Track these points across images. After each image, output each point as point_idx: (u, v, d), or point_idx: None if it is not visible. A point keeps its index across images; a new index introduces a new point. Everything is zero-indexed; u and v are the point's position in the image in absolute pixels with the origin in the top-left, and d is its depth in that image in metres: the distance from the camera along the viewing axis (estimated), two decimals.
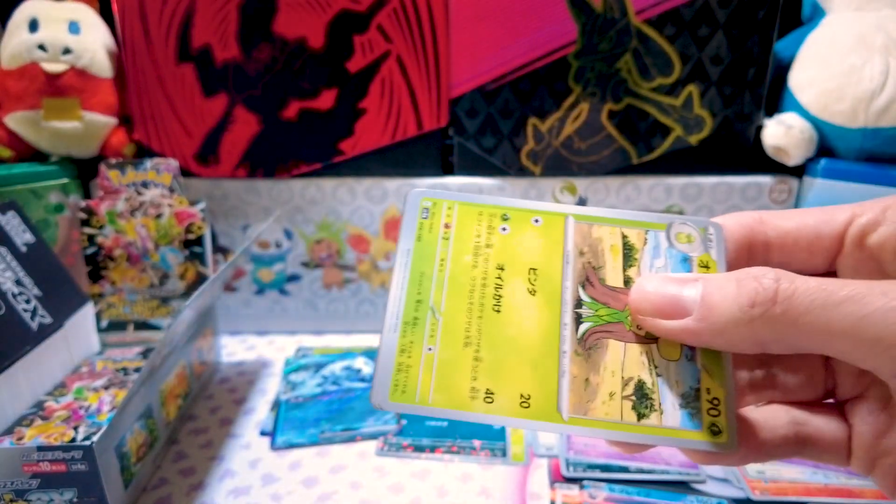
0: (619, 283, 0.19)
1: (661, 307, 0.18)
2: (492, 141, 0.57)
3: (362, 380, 0.52)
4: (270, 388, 0.52)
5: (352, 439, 0.44)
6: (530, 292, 0.18)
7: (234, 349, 0.59)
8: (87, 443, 0.32)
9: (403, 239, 0.18)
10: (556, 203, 0.19)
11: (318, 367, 0.54)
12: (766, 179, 0.57)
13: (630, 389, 0.18)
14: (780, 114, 0.55)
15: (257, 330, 0.63)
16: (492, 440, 0.44)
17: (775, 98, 0.57)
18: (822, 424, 0.20)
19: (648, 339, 0.18)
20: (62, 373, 0.43)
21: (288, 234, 0.60)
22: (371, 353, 0.56)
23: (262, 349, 0.59)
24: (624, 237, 0.19)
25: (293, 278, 0.61)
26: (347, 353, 0.56)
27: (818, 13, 0.56)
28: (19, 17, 0.53)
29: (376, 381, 0.17)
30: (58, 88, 0.52)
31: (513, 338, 0.17)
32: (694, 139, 0.56)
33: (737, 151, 0.57)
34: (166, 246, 0.52)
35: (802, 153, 0.53)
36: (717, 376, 0.18)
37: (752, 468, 0.40)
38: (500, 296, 0.18)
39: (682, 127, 0.56)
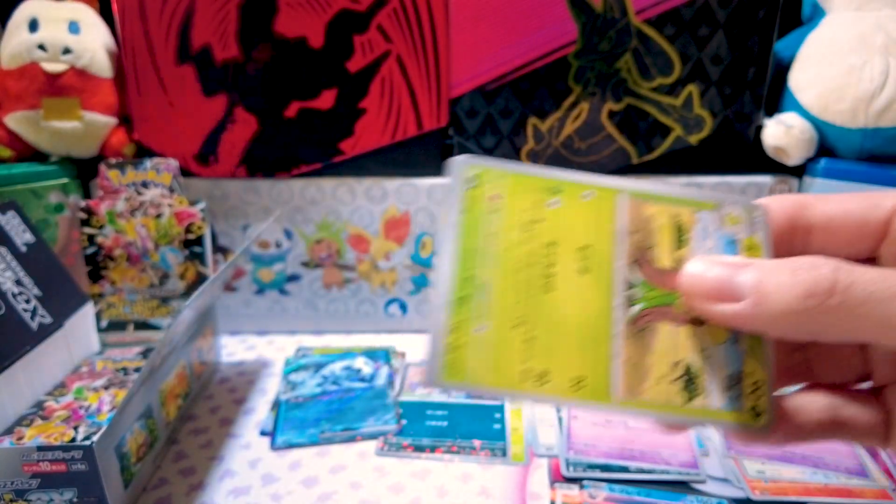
0: (670, 264, 0.18)
1: (713, 291, 0.17)
2: (492, 141, 0.57)
3: (362, 380, 0.52)
4: (270, 388, 0.52)
5: (352, 439, 0.44)
6: (581, 272, 0.18)
7: (234, 349, 0.59)
8: (87, 443, 0.32)
9: (449, 211, 0.17)
10: (608, 177, 0.18)
11: (318, 367, 0.54)
12: (766, 179, 0.57)
13: (679, 372, 0.18)
14: (780, 114, 0.55)
15: (257, 330, 0.63)
16: (492, 440, 0.44)
17: (775, 98, 0.57)
18: (859, 408, 0.20)
19: (697, 321, 0.18)
20: (62, 373, 0.43)
21: (288, 234, 0.60)
22: (371, 353, 0.56)
23: (262, 349, 0.59)
24: (675, 216, 0.19)
25: (293, 278, 0.61)
26: (347, 353, 0.56)
27: (818, 13, 0.56)
28: (19, 16, 0.53)
29: (430, 361, 0.17)
30: (58, 88, 0.52)
31: (564, 319, 0.17)
32: (694, 139, 0.56)
33: (737, 151, 0.57)
34: (166, 246, 0.52)
35: (802, 153, 0.53)
36: (760, 360, 0.19)
37: (752, 468, 0.40)
38: (550, 275, 0.17)
39: (682, 127, 0.56)
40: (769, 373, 0.19)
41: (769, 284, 0.17)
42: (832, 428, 0.20)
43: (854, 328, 0.16)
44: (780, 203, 0.20)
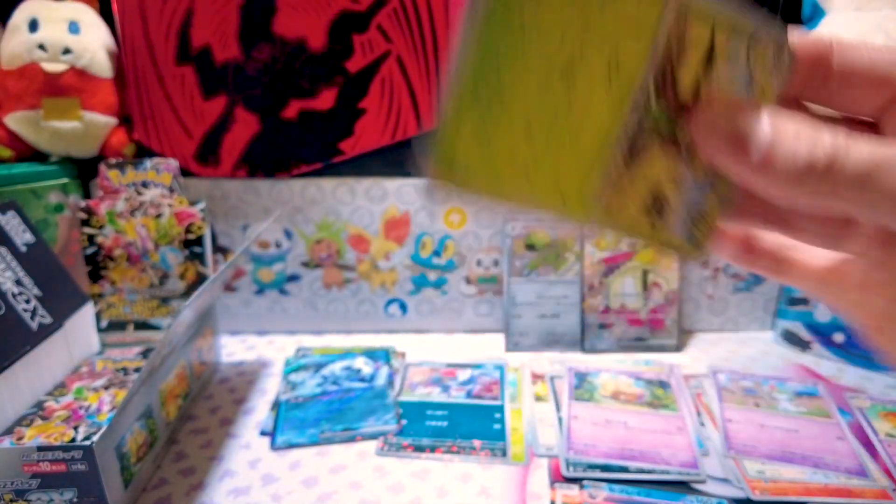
0: (690, 93, 0.18)
1: (724, 140, 0.17)
2: None
3: (362, 380, 0.52)
4: (270, 388, 0.52)
5: (352, 439, 0.44)
6: (605, 84, 0.17)
7: (234, 349, 0.59)
8: (87, 443, 0.32)
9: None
10: None
11: (318, 367, 0.54)
12: None
13: (654, 202, 0.18)
14: None
15: (257, 330, 0.63)
16: (492, 440, 0.44)
17: None
18: (817, 265, 0.21)
19: (689, 156, 0.18)
20: (62, 373, 0.43)
21: (288, 234, 0.60)
22: (371, 353, 0.56)
23: (262, 349, 0.59)
24: (711, 41, 0.18)
25: (293, 278, 0.61)
26: (347, 353, 0.56)
27: (818, 13, 0.56)
28: (19, 17, 0.53)
29: (428, 158, 0.16)
30: (58, 88, 0.52)
31: (572, 127, 0.17)
32: None
33: None
34: (166, 246, 0.52)
35: None
36: (724, 203, 0.20)
37: (752, 468, 0.40)
38: (573, 82, 0.16)
39: None
40: (724, 216, 0.20)
41: (779, 150, 0.16)
42: (778, 269, 0.21)
43: (850, 200, 0.16)
44: (807, 47, 0.19)
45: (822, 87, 0.19)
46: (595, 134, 0.17)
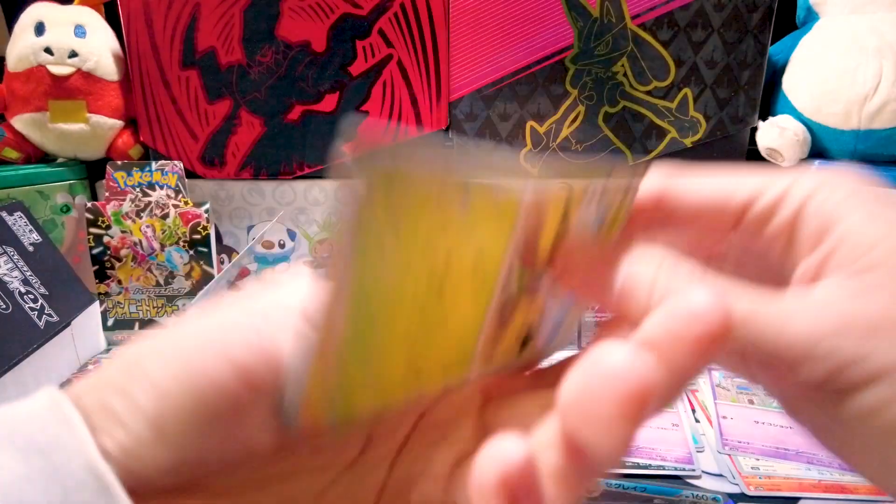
0: (549, 248, 0.18)
1: (586, 284, 0.17)
2: (491, 143, 0.58)
3: None
4: None
5: None
6: (473, 290, 0.16)
7: None
8: None
9: (345, 251, 0.14)
10: (521, 175, 0.16)
11: None
12: None
13: (522, 334, 0.19)
14: (774, 116, 0.56)
15: None
16: None
17: (769, 100, 0.58)
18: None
19: (552, 290, 0.18)
20: (69, 371, 0.44)
21: (291, 235, 0.60)
22: None
23: None
24: (569, 198, 0.17)
25: None
26: None
27: (812, 17, 0.56)
28: (26, 20, 0.54)
29: (288, 400, 0.14)
30: (64, 91, 0.53)
31: (447, 328, 0.16)
32: (689, 141, 0.57)
33: (731, 153, 0.58)
34: (172, 246, 0.53)
35: (796, 155, 0.54)
36: (578, 316, 0.20)
37: (747, 464, 0.41)
38: (443, 289, 0.16)
39: (677, 129, 0.57)
40: (579, 327, 0.21)
41: (632, 290, 0.16)
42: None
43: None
44: (650, 180, 0.19)
45: (669, 219, 0.19)
46: (468, 323, 0.17)
